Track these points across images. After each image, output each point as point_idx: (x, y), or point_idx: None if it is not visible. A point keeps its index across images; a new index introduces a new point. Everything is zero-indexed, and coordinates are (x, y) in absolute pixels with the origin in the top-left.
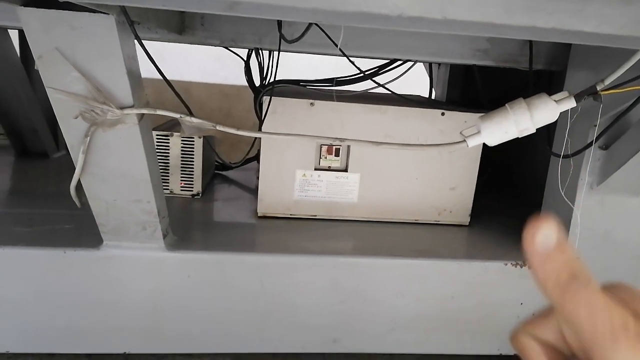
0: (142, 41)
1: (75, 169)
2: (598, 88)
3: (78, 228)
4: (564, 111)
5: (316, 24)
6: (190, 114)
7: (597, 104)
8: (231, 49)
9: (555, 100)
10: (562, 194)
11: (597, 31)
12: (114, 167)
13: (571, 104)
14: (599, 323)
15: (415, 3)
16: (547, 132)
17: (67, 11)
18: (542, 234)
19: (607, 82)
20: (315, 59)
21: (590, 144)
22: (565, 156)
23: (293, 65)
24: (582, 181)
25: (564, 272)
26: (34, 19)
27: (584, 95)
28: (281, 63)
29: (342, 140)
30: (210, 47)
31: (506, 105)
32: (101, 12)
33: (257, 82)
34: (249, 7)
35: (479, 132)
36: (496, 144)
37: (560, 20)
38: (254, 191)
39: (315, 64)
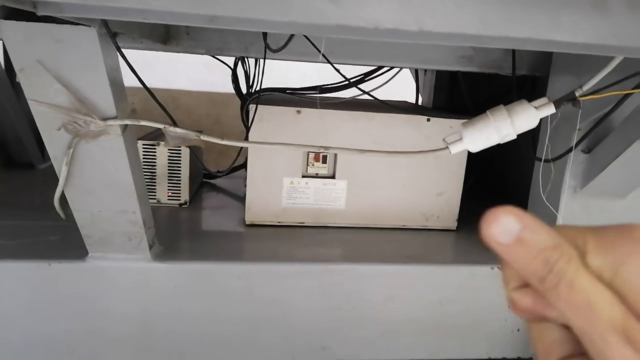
0: (128, 50)
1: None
2: (576, 94)
3: (63, 240)
4: (545, 117)
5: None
6: (174, 124)
7: (577, 109)
8: (218, 57)
9: (535, 107)
10: (544, 198)
11: (571, 40)
12: (98, 179)
13: (551, 110)
14: (585, 321)
15: (391, 15)
16: (531, 137)
17: (49, 24)
18: (501, 227)
19: (586, 88)
20: (304, 66)
21: (570, 149)
22: (547, 160)
23: (282, 72)
24: (565, 185)
25: (537, 264)
26: (15, 32)
27: (563, 101)
28: (270, 70)
29: (326, 148)
30: (198, 55)
31: (487, 112)
32: (83, 25)
33: (244, 90)
34: (229, 20)
35: (461, 138)
36: (478, 150)
37: (535, 30)
38: (241, 199)
39: (304, 71)
